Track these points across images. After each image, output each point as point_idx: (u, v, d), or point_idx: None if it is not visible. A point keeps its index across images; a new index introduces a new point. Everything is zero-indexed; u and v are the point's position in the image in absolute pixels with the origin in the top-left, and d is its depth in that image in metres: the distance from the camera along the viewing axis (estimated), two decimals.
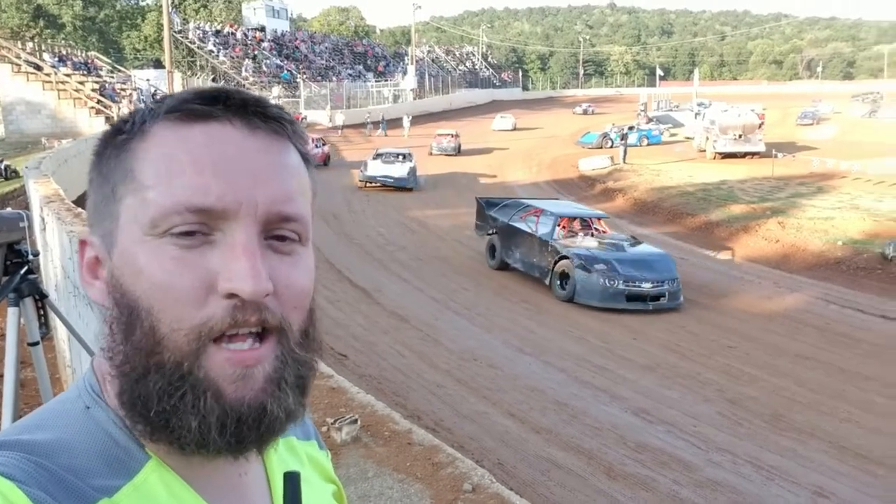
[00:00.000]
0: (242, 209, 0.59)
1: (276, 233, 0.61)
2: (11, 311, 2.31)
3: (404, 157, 25.06)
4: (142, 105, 0.67)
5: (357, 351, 9.32)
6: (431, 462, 3.60)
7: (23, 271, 2.30)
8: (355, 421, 3.92)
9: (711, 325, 11.27)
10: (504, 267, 14.27)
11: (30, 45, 36.59)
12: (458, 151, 32.61)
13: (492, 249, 14.73)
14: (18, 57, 31.51)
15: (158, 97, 0.78)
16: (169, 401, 0.57)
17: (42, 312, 2.41)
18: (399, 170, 23.63)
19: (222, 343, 0.58)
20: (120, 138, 0.63)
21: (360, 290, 12.58)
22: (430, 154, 31.75)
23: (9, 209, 2.74)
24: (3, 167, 23.15)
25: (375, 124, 40.50)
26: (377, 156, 25.02)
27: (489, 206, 15.57)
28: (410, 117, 41.79)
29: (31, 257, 2.33)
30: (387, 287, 12.90)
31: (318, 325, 0.67)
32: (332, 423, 3.93)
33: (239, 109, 0.62)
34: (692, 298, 12.62)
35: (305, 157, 0.68)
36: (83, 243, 0.66)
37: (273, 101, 0.67)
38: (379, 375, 8.45)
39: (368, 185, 23.71)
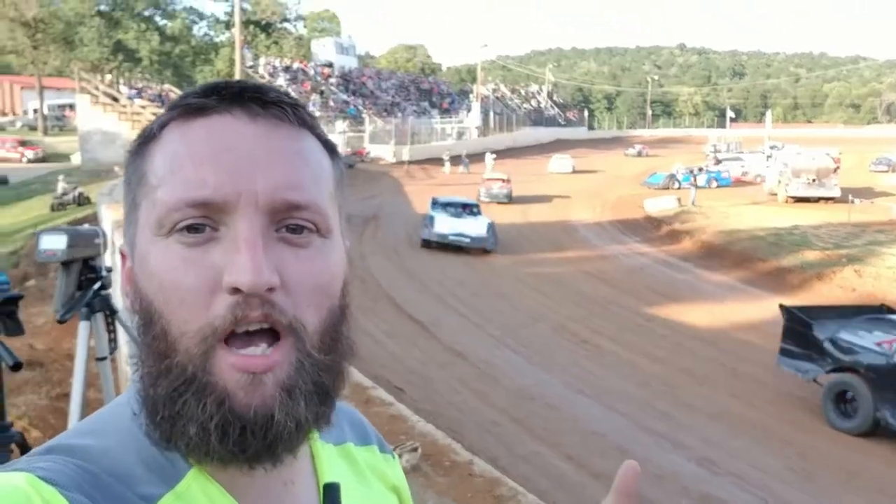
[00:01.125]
0: (242, 199, 0.57)
1: (290, 223, 0.58)
2: (83, 326, 2.36)
3: (472, 208, 21.18)
4: None
5: (413, 385, 9.27)
6: (493, 495, 3.50)
7: (96, 287, 2.35)
8: (416, 449, 3.87)
9: (782, 374, 10.80)
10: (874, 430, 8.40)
11: (108, 77, 38.59)
12: (510, 199, 28.80)
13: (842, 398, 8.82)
14: (97, 89, 33.25)
15: None
16: (173, 407, 0.56)
17: (112, 328, 2.46)
18: (475, 226, 19.70)
19: (233, 347, 0.56)
20: (137, 144, 0.63)
21: (417, 324, 12.57)
22: (478, 200, 26.05)
23: (86, 225, 2.82)
24: (77, 194, 24.32)
25: (455, 160, 39.60)
26: (438, 205, 20.88)
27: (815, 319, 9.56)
28: (494, 155, 40.73)
29: (104, 273, 2.38)
30: (444, 321, 12.86)
31: (347, 324, 0.64)
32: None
33: (236, 98, 0.60)
34: (760, 345, 12.16)
35: (325, 144, 0.65)
36: (122, 254, 0.65)
37: (312, 111, 0.65)
38: (434, 411, 8.37)
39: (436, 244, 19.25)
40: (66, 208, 23.19)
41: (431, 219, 19.82)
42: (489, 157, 39.90)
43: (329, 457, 0.72)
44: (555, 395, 9.38)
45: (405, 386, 9.10)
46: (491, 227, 19.89)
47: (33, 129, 53.19)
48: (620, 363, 11.06)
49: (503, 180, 29.93)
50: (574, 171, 41.08)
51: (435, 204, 21.13)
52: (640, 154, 55.08)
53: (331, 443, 0.74)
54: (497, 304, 14.51)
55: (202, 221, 0.56)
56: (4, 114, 64.10)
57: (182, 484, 0.58)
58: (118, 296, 5.67)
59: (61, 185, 24.79)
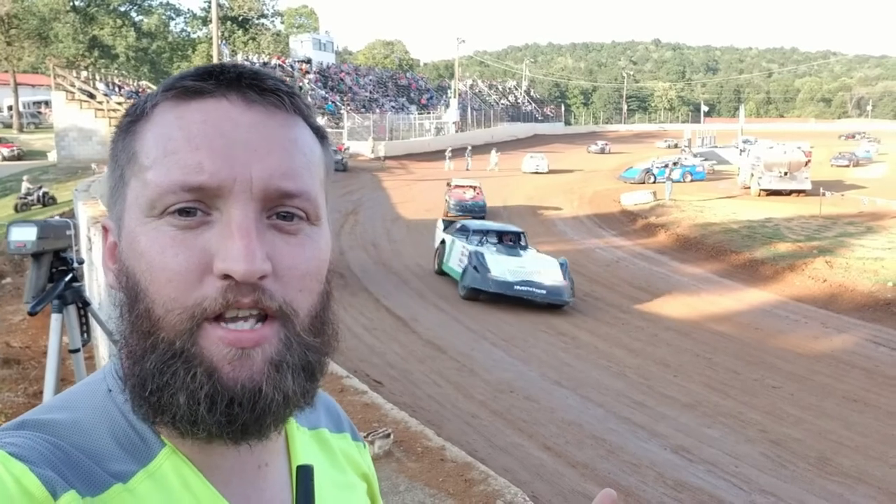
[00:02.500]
0: (237, 185, 0.57)
1: (281, 210, 0.59)
2: (55, 318, 2.35)
3: (517, 238, 16.04)
4: None
5: (392, 379, 9.28)
6: (464, 478, 3.54)
7: (67, 278, 2.35)
8: (388, 435, 3.91)
9: (755, 364, 10.98)
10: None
11: (84, 74, 38.03)
12: (484, 212, 24.00)
13: None
14: (73, 85, 32.80)
15: None
16: (161, 378, 0.56)
17: (84, 320, 2.45)
18: (547, 271, 14.20)
19: (221, 322, 0.56)
20: (127, 121, 0.63)
21: (397, 319, 12.59)
22: (447, 215, 23.08)
23: (56, 217, 2.81)
24: (41, 193, 23.86)
25: (457, 153, 39.17)
26: (470, 233, 15.76)
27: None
28: (498, 151, 40.23)
29: (75, 265, 2.37)
30: (423, 316, 12.89)
31: (331, 308, 0.65)
32: (364, 437, 3.92)
33: (233, 84, 0.60)
34: (734, 335, 12.34)
35: (317, 132, 0.66)
36: (105, 229, 0.66)
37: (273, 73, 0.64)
38: (414, 404, 8.39)
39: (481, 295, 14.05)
40: (30, 208, 22.79)
41: (481, 258, 14.06)
42: (494, 154, 39.56)
43: (303, 440, 0.73)
44: (533, 387, 9.45)
45: (384, 379, 9.11)
46: (566, 269, 14.28)
47: (8, 126, 52.32)
48: (597, 355, 11.16)
49: (474, 188, 25.19)
50: (549, 171, 38.10)
51: (465, 232, 15.95)
52: (602, 151, 54.04)
53: (305, 427, 0.75)
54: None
55: (195, 205, 0.57)
56: None
57: (154, 462, 0.59)
58: (90, 287, 5.65)
59: (25, 185, 24.32)
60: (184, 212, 0.57)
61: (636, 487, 6.66)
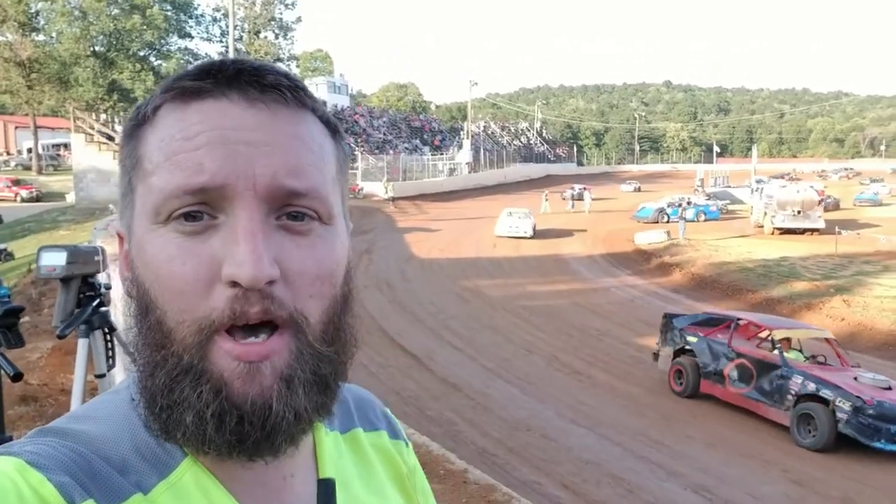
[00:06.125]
0: (241, 185, 0.55)
1: (290, 210, 0.57)
2: (82, 343, 2.38)
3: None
4: None
5: (407, 416, 9.21)
6: (487, 500, 3.50)
7: (95, 303, 2.38)
8: None
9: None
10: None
11: (103, 116, 38.76)
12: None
13: None
14: (92, 127, 33.41)
15: None
16: (171, 395, 0.54)
17: (110, 346, 2.48)
18: None
19: (231, 335, 0.54)
20: (131, 126, 0.61)
21: (411, 357, 12.54)
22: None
23: (85, 243, 2.85)
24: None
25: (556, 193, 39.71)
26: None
27: None
28: (592, 195, 40.43)
29: (103, 290, 2.41)
30: (438, 354, 12.83)
31: (349, 313, 0.62)
32: None
33: (233, 81, 0.57)
34: None
35: (327, 124, 0.63)
36: (119, 237, 0.64)
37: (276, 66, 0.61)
38: (431, 443, 8.32)
39: None
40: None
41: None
42: (587, 195, 40.03)
43: (332, 449, 0.70)
44: (549, 426, 9.35)
45: (399, 416, 8.83)
46: None
47: (28, 168, 53.20)
48: (614, 393, 11.04)
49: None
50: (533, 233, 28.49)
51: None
52: (637, 190, 55.16)
53: (337, 430, 0.73)
54: (491, 336, 14.49)
55: (200, 209, 0.55)
56: None
57: (175, 474, 0.57)
58: (116, 314, 5.69)
59: None
60: (189, 216, 0.55)
61: None
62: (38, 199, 39.65)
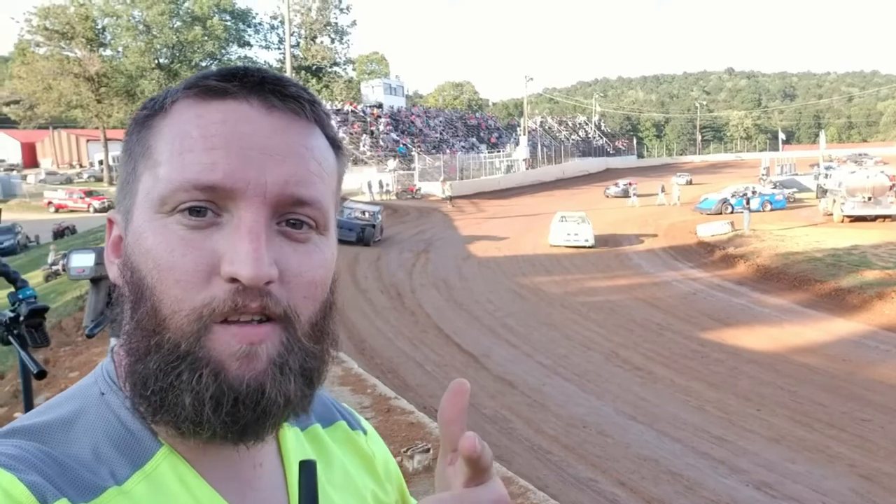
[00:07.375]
0: (251, 189, 0.57)
1: (290, 217, 0.59)
2: (113, 342, 2.51)
3: None
4: None
5: None
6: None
7: None
8: (427, 450, 3.94)
9: (843, 396, 10.44)
10: None
11: None
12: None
13: None
14: None
15: None
16: (166, 379, 0.56)
17: None
18: None
19: (227, 323, 0.56)
20: (144, 115, 0.62)
21: (468, 355, 12.59)
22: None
23: None
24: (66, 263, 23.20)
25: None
26: None
27: None
28: (685, 178, 40.30)
29: None
30: (495, 352, 12.84)
31: (333, 318, 0.64)
32: (404, 452, 3.97)
33: (256, 87, 0.60)
34: (820, 367, 11.79)
35: (333, 142, 0.66)
36: (110, 222, 0.65)
37: (303, 86, 0.64)
38: (484, 439, 8.34)
39: None
40: (57, 277, 21.26)
41: None
42: (676, 188, 39.72)
43: (294, 440, 0.72)
44: (607, 422, 9.25)
45: None
46: None
47: (99, 180, 55.53)
48: (674, 389, 10.85)
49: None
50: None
51: None
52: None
53: (297, 427, 0.74)
54: (548, 333, 14.41)
55: (206, 205, 0.56)
56: (72, 166, 67.27)
57: (150, 463, 0.58)
58: None
59: (52, 256, 23.24)
60: (194, 211, 0.57)
61: None
62: (109, 209, 41.34)
